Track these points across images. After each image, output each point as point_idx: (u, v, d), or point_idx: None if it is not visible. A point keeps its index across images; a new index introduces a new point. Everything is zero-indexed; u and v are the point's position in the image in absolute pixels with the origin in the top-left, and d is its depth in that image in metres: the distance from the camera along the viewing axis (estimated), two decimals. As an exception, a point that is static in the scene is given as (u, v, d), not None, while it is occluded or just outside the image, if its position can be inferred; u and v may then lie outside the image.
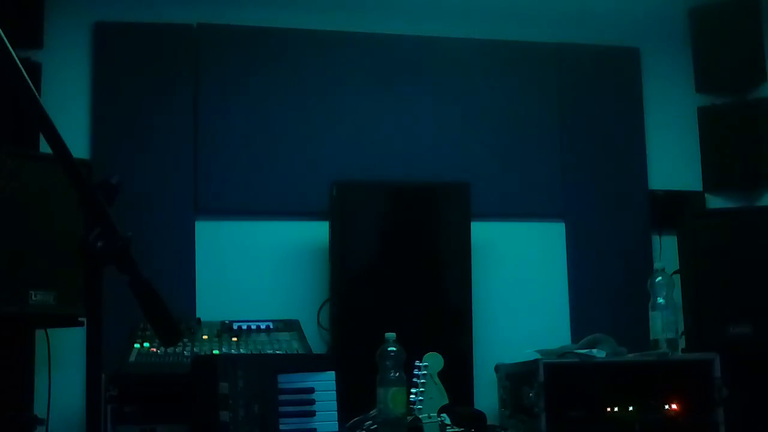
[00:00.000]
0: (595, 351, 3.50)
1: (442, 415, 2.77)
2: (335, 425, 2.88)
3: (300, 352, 3.27)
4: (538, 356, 3.44)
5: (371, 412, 3.01)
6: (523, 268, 4.18)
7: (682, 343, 3.69)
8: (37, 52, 3.68)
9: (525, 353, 3.54)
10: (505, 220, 4.20)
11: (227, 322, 3.46)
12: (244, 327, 3.44)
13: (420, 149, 4.13)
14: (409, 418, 2.80)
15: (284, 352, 3.25)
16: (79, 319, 3.13)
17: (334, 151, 4.05)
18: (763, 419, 3.53)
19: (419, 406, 2.65)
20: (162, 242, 3.77)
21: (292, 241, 3.98)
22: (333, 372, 2.92)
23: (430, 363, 2.70)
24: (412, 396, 2.68)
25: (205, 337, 3.33)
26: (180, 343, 3.13)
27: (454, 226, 3.83)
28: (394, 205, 3.84)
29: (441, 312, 3.76)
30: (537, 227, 4.25)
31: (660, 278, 3.70)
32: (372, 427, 2.97)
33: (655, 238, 4.26)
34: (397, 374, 2.95)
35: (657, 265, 3.79)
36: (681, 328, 3.69)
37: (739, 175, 4.22)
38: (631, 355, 3.55)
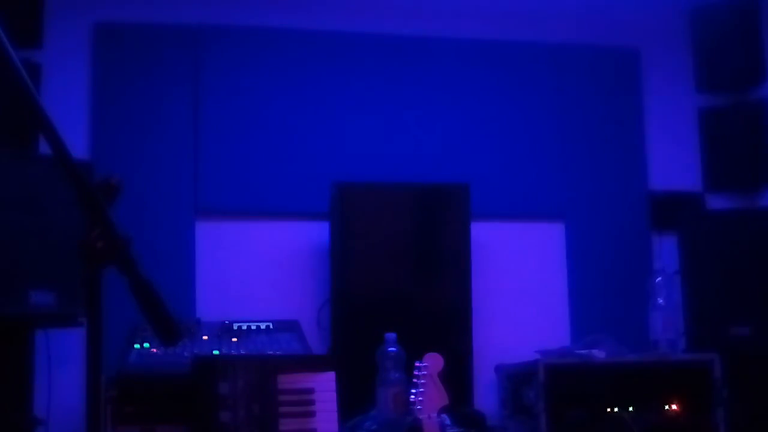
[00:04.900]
0: (595, 351, 3.50)
1: (442, 415, 2.77)
2: (335, 425, 2.88)
3: (300, 353, 3.27)
4: (538, 356, 3.44)
5: (371, 412, 3.01)
6: (523, 268, 4.18)
7: (682, 343, 3.69)
8: (37, 52, 3.68)
9: (525, 353, 3.55)
10: (505, 221, 4.20)
11: (227, 322, 3.45)
12: (244, 327, 3.43)
13: (420, 149, 4.13)
14: (409, 418, 2.80)
15: (284, 353, 3.25)
16: (79, 319, 3.12)
17: (334, 151, 4.05)
18: (763, 419, 3.52)
19: (419, 406, 2.65)
20: (162, 242, 3.77)
21: (292, 242, 3.98)
22: (333, 372, 2.92)
23: (430, 363, 2.70)
24: (412, 396, 2.68)
25: (205, 337, 3.32)
26: (180, 344, 3.12)
27: (454, 227, 3.83)
28: (394, 205, 3.84)
29: (441, 312, 3.76)
30: (537, 227, 4.25)
31: (660, 278, 3.71)
32: (372, 427, 2.97)
33: (655, 238, 4.26)
34: (397, 374, 2.95)
35: (657, 265, 3.79)
36: (681, 328, 3.69)
37: (739, 175, 4.22)
38: (631, 355, 3.55)
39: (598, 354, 3.48)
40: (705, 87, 4.32)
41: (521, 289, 4.15)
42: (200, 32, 4.03)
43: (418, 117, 4.16)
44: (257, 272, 3.93)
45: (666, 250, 4.14)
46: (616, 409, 3.41)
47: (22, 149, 3.39)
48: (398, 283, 3.76)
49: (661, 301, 3.67)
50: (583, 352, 3.52)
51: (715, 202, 4.28)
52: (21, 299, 2.97)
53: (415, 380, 2.68)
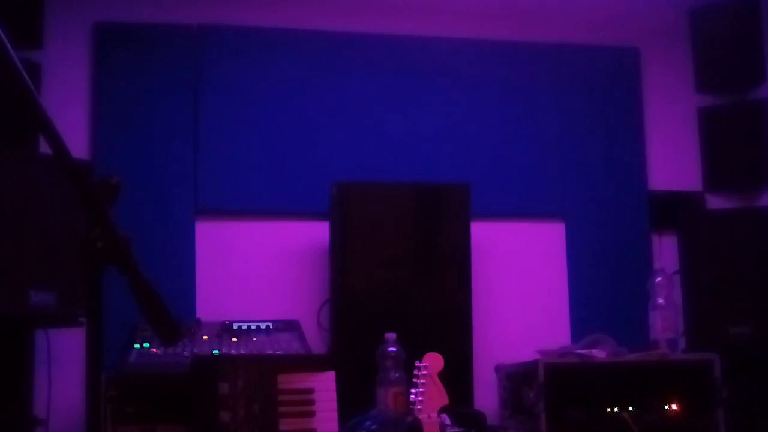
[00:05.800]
0: (595, 351, 3.50)
1: (442, 415, 2.77)
2: (335, 425, 2.88)
3: (300, 353, 3.27)
4: (538, 356, 3.44)
5: (371, 412, 3.01)
6: (523, 268, 4.18)
7: (682, 343, 3.69)
8: (37, 52, 3.68)
9: (525, 353, 3.55)
10: (505, 221, 4.20)
11: (227, 322, 3.46)
12: (244, 327, 3.43)
13: (420, 149, 4.13)
14: (409, 418, 2.80)
15: (284, 353, 3.25)
16: (79, 319, 3.13)
17: (334, 151, 4.05)
18: (763, 419, 3.53)
19: (419, 406, 2.65)
20: (162, 242, 3.77)
21: (292, 242, 3.98)
22: (333, 372, 2.92)
23: (430, 363, 2.69)
24: (412, 396, 2.68)
25: (205, 337, 3.32)
26: (180, 343, 3.13)
27: (454, 226, 3.83)
28: (394, 205, 3.84)
29: (441, 312, 3.76)
30: (537, 227, 4.25)
31: (660, 278, 3.71)
32: (372, 427, 2.97)
33: (655, 238, 4.26)
34: (397, 374, 2.95)
35: (657, 265, 3.79)
36: (681, 328, 3.69)
37: (739, 175, 4.22)
38: (631, 355, 3.55)
39: (598, 354, 3.48)
40: (705, 87, 4.32)
41: (521, 289, 4.15)
42: (200, 32, 4.03)
43: (418, 116, 4.16)
44: (257, 272, 3.93)
45: (666, 250, 4.14)
46: (616, 409, 3.41)
47: (22, 149, 3.39)
48: (398, 283, 3.76)
49: (660, 301, 3.67)
50: (583, 352, 3.52)
51: (715, 202, 4.28)
52: (21, 299, 2.97)
53: (415, 380, 2.68)
